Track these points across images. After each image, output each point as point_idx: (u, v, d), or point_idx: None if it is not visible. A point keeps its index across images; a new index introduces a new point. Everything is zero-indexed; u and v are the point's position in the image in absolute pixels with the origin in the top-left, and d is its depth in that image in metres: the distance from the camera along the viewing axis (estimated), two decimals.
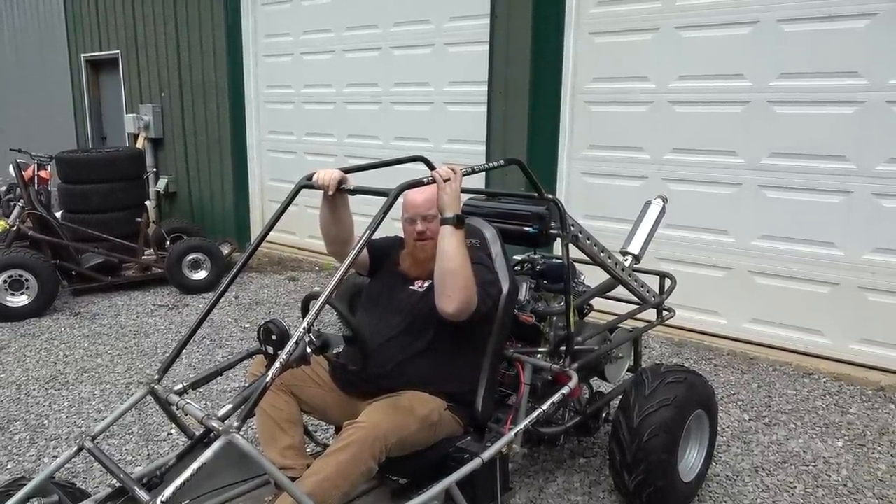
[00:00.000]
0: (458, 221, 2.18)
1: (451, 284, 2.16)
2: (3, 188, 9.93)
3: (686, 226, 4.80)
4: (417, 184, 2.18)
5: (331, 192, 2.29)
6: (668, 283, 3.39)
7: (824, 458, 3.27)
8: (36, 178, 6.06)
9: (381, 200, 2.05)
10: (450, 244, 2.17)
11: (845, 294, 4.31)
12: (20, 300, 5.28)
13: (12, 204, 6.31)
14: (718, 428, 3.06)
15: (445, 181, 2.20)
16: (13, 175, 5.81)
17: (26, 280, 5.29)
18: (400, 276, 2.48)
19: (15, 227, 5.61)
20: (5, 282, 5.22)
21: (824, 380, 4.16)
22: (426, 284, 2.41)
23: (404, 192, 2.16)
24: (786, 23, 4.31)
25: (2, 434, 3.48)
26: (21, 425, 3.58)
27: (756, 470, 3.16)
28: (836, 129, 4.21)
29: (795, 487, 3.03)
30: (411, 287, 2.44)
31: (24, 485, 1.99)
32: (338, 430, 2.44)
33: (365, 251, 2.51)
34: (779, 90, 4.38)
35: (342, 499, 2.07)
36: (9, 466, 3.18)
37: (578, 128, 5.23)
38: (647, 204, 3.44)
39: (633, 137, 5.00)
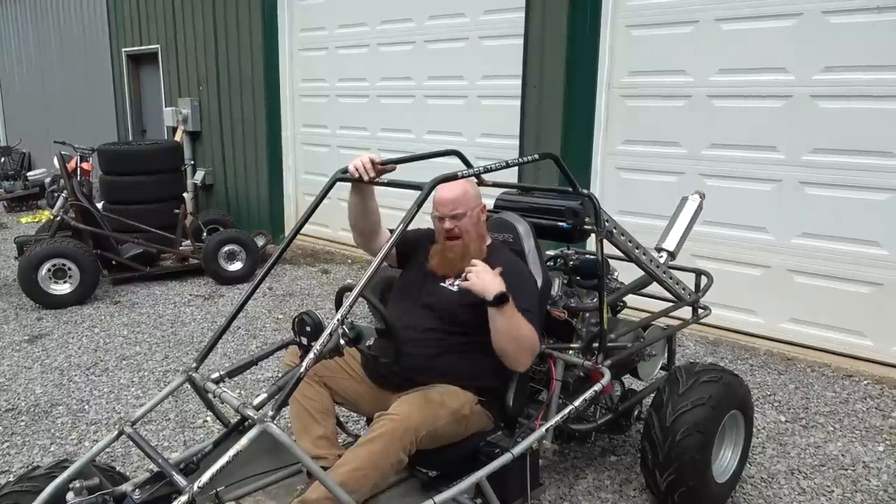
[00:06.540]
0: (501, 300, 2.15)
1: (517, 355, 2.24)
2: (49, 179, 10.28)
3: (723, 222, 4.71)
4: (452, 177, 2.16)
5: (371, 175, 2.26)
6: (704, 280, 3.34)
7: (864, 462, 3.19)
8: (79, 169, 6.23)
9: (414, 194, 2.06)
10: (501, 323, 2.17)
11: (889, 295, 4.18)
12: (63, 288, 5.44)
13: (56, 195, 6.51)
14: (754, 429, 3.01)
15: (466, 277, 2.19)
16: (58, 167, 5.97)
17: (69, 269, 5.44)
18: (430, 272, 2.47)
19: (59, 217, 5.77)
20: (49, 270, 5.38)
21: (865, 382, 4.05)
22: (457, 284, 2.41)
23: (435, 189, 2.15)
24: (832, 14, 4.18)
25: (46, 418, 3.60)
26: (63, 409, 3.69)
27: (792, 472, 3.09)
28: (882, 124, 4.08)
29: (833, 491, 2.96)
30: (442, 284, 2.44)
31: (67, 467, 2.05)
32: (369, 421, 2.46)
33: None
34: (823, 84, 4.26)
35: (372, 489, 2.09)
36: (52, 449, 3.28)
37: (613, 122, 5.17)
38: (684, 200, 3.39)
39: (670, 132, 4.92)
